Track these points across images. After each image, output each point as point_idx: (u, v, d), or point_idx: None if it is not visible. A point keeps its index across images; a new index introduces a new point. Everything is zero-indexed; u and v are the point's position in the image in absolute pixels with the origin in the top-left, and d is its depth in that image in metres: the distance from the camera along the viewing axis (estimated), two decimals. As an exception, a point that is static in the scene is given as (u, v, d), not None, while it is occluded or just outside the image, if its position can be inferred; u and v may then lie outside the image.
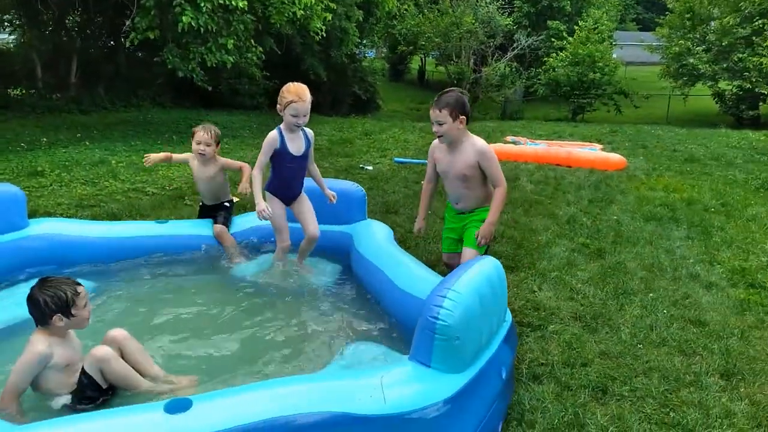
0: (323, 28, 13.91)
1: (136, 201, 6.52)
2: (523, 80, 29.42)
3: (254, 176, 3.80)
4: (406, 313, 3.21)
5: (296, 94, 3.72)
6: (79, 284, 2.60)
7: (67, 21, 16.95)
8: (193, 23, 10.37)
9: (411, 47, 30.04)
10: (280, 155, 3.86)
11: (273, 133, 3.84)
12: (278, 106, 3.80)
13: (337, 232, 4.28)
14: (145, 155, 4.66)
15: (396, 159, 9.85)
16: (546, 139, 14.08)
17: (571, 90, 27.40)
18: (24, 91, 15.46)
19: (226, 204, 4.75)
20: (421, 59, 42.47)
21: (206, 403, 1.96)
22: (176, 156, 4.75)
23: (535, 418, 2.75)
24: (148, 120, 14.33)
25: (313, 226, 4.02)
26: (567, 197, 7.54)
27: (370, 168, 9.18)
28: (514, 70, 29.37)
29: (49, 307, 2.46)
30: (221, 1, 10.56)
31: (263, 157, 3.84)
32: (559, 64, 27.72)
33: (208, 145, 4.48)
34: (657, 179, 8.83)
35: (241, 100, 19.81)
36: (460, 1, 27.59)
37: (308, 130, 4.01)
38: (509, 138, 13.37)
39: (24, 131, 11.28)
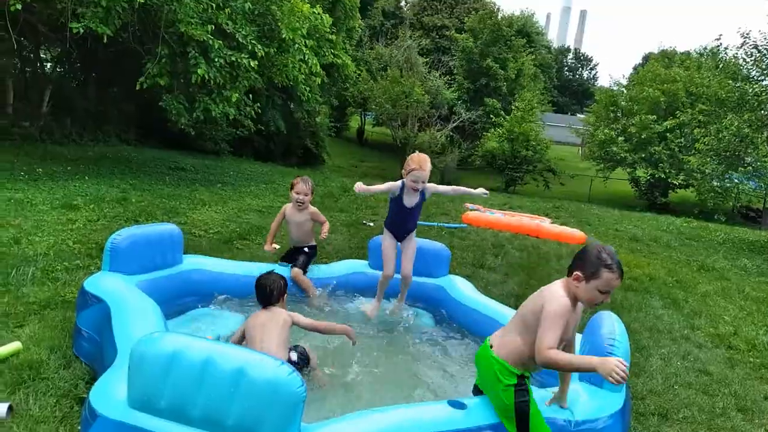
0: (309, 88, 14.95)
1: (191, 242, 7.08)
2: (462, 150, 31.63)
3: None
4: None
5: (418, 163, 4.69)
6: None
7: (41, 50, 17.01)
8: (205, 75, 11.07)
9: (360, 108, 31.66)
10: (395, 202, 4.84)
11: (397, 183, 4.79)
12: (403, 171, 4.75)
13: (430, 284, 5.18)
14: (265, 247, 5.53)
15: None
16: (499, 209, 15.56)
17: (505, 163, 29.84)
18: (-5, 116, 15.31)
19: (306, 249, 5.48)
20: (361, 118, 44.34)
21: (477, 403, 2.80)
22: (278, 221, 5.49)
23: (631, 433, 3.74)
24: (126, 157, 14.58)
25: (407, 268, 4.92)
26: (552, 265, 8.77)
27: (372, 224, 10.10)
28: (450, 140, 31.60)
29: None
30: (232, 59, 11.36)
31: (373, 188, 4.89)
32: (496, 139, 30.19)
33: (306, 195, 5.27)
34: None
35: (203, 144, 20.31)
36: (411, 72, 29.70)
37: (428, 186, 4.84)
38: (468, 205, 14.76)
39: (14, 160, 11.35)
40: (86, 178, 10.79)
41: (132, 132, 18.73)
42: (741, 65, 14.57)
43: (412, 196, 4.83)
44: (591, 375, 3.19)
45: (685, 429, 3.92)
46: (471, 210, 13.75)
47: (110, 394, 2.51)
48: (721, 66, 15.28)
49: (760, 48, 14.20)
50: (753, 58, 14.13)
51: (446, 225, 10.99)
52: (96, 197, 8.87)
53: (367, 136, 44.49)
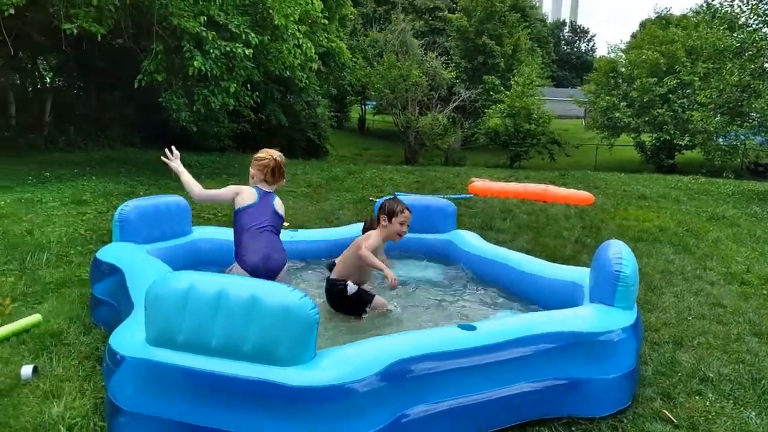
0: (305, 75, 14.97)
1: (200, 224, 7.15)
2: (464, 130, 31.52)
3: None
4: (526, 287, 4.21)
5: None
6: (408, 210, 4.01)
7: (38, 61, 17.16)
8: (201, 68, 11.11)
9: (360, 97, 31.59)
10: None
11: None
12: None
13: (438, 240, 5.22)
14: None
15: (396, 193, 10.89)
16: (505, 182, 15.58)
17: (509, 139, 29.71)
18: (-2, 130, 15.49)
19: None
20: (361, 108, 44.26)
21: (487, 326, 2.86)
22: None
23: (645, 359, 3.77)
24: (131, 159, 14.68)
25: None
26: (561, 224, 8.78)
27: (378, 200, 10.13)
28: (452, 120, 31.47)
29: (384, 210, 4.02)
30: (227, 49, 11.40)
31: None
32: (497, 116, 30.07)
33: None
34: (624, 212, 10.29)
35: (208, 142, 20.44)
36: (407, 56, 29.59)
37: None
38: (474, 179, 14.80)
39: (22, 167, 11.48)
40: (93, 177, 10.91)
41: (136, 136, 18.86)
42: (737, 14, 14.40)
43: None
44: (603, 296, 3.23)
45: (701, 353, 3.95)
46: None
47: (130, 337, 2.58)
48: (717, 16, 15.08)
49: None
50: (749, 6, 13.97)
51: (453, 196, 11.03)
52: (104, 192, 8.97)
53: (368, 125, 44.44)
